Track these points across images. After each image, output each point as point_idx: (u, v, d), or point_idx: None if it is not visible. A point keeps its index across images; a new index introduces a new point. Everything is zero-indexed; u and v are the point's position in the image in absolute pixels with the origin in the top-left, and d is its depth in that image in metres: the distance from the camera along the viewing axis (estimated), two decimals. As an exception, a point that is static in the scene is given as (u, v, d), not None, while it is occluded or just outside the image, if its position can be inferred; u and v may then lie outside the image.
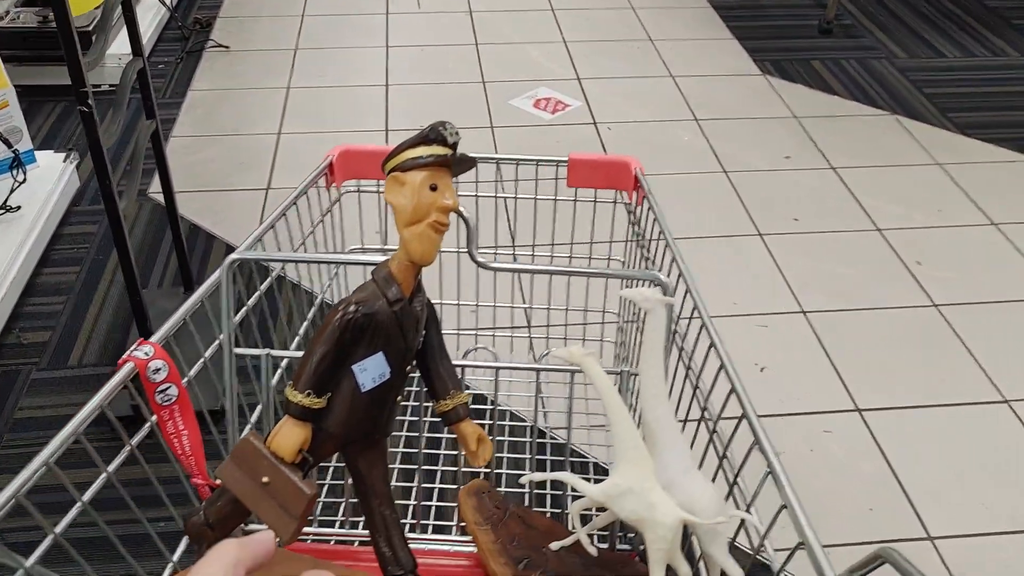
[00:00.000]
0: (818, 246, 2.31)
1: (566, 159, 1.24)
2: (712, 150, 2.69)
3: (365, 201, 1.34)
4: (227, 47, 3.21)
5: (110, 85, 2.95)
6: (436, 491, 1.27)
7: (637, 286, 0.91)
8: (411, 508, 1.10)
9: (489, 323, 1.57)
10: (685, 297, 0.98)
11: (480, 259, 0.96)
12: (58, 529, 0.73)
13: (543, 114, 2.83)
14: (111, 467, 0.80)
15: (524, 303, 1.76)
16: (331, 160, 1.21)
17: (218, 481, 0.77)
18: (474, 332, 1.56)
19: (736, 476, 0.86)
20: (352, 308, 0.76)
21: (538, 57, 3.21)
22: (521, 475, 0.94)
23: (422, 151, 0.78)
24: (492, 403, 1.03)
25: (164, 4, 3.26)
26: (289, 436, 0.76)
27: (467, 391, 0.89)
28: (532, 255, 1.49)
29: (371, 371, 0.78)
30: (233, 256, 0.94)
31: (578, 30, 3.39)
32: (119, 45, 2.96)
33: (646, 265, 1.18)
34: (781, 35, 3.41)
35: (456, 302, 1.48)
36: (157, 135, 1.83)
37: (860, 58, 3.25)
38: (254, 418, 1.05)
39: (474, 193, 1.32)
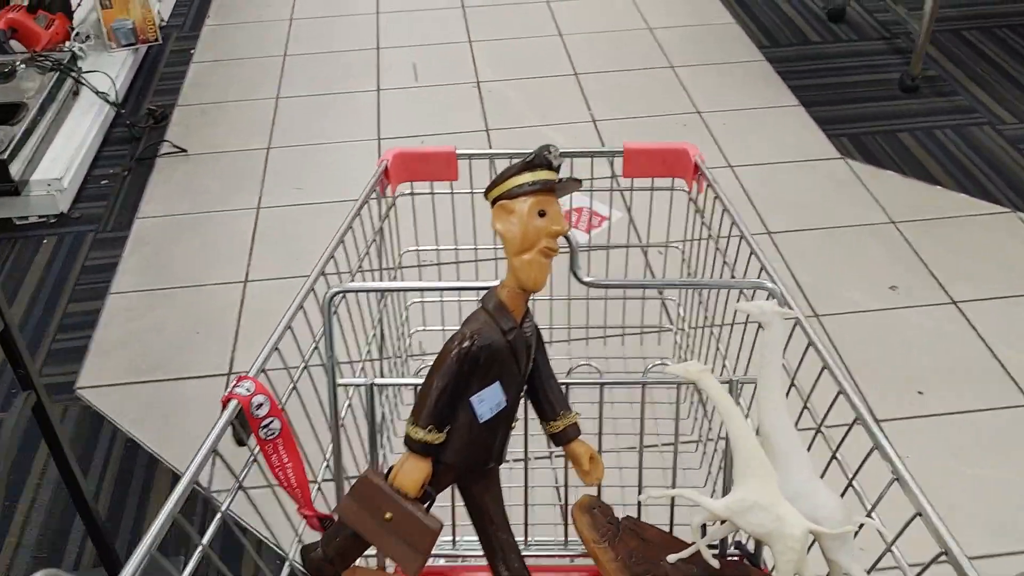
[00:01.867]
0: (954, 434, 1.74)
1: (621, 149, 1.19)
2: (795, 280, 2.11)
3: (419, 203, 1.29)
4: (185, 150, 2.64)
5: (38, 216, 2.40)
6: (545, 508, 1.21)
7: (746, 296, 0.94)
8: (523, 528, 1.07)
9: (582, 336, 1.47)
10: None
11: (584, 278, 0.94)
12: (185, 573, 0.71)
13: (577, 233, 2.25)
14: (224, 507, 0.77)
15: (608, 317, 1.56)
16: (386, 164, 1.19)
17: (329, 513, 0.84)
18: (566, 346, 1.44)
19: (852, 479, 0.84)
20: (468, 340, 0.76)
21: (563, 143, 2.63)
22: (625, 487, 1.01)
23: (528, 177, 0.78)
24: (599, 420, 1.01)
25: (108, 101, 2.70)
26: (413, 472, 0.77)
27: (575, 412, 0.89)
28: (588, 251, 1.40)
29: (488, 401, 0.79)
30: (335, 290, 0.92)
31: (605, 100, 2.81)
32: (49, 167, 2.42)
33: (719, 259, 1.15)
34: (856, 96, 2.81)
35: (554, 324, 1.40)
36: (41, 409, 1.26)
37: (957, 125, 2.65)
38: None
39: None
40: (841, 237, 2.24)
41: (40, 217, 2.39)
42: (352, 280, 1.10)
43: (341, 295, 0.92)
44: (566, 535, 1.04)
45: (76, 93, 2.67)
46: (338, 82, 2.96)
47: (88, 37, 2.93)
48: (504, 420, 0.81)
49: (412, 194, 1.28)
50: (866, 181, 2.43)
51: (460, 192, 1.25)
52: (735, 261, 1.09)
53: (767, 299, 0.90)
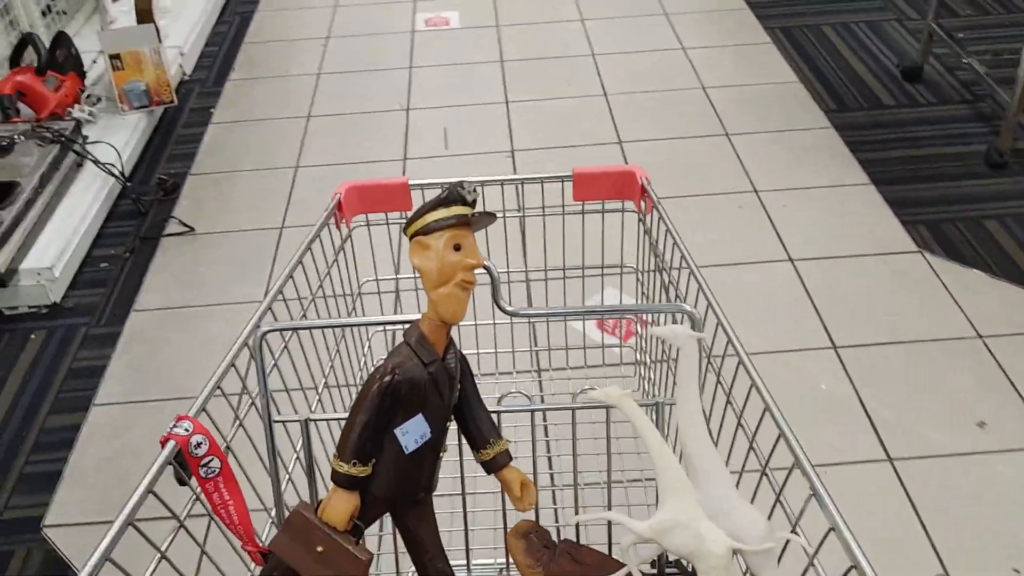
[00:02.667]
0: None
1: (570, 174, 1.23)
2: (868, 416, 1.82)
3: (376, 234, 1.31)
4: (192, 229, 2.44)
5: (29, 307, 2.22)
6: (485, 532, 1.21)
7: (666, 319, 1.07)
8: (464, 552, 1.04)
9: (509, 366, 1.50)
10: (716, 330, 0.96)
11: (507, 307, 0.95)
12: None
13: (609, 338, 1.99)
14: (163, 547, 0.78)
15: (542, 342, 1.65)
16: (339, 198, 1.19)
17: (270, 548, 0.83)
18: (492, 375, 1.47)
19: (779, 496, 0.85)
20: (389, 375, 0.78)
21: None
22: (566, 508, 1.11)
23: (442, 213, 0.80)
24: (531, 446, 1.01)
25: (113, 174, 2.51)
26: (340, 506, 0.80)
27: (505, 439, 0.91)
28: (545, 272, 1.43)
29: (412, 433, 0.81)
30: (264, 329, 0.92)
31: (652, 173, 2.54)
32: (41, 254, 2.24)
33: (665, 282, 1.17)
34: (934, 173, 2.50)
35: (478, 350, 1.41)
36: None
37: (1054, 211, 2.33)
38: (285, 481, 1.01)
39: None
40: (918, 355, 1.94)
41: (31, 307, 2.21)
42: (304, 315, 1.13)
43: (267, 334, 0.94)
44: (507, 559, 1.02)
45: (80, 164, 2.49)
46: (362, 148, 2.73)
47: (99, 99, 2.75)
48: (431, 450, 0.83)
49: (368, 225, 1.29)
50: (948, 282, 2.12)
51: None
52: (678, 277, 1.13)
53: (681, 321, 0.95)
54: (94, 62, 2.88)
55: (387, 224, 1.30)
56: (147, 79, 2.73)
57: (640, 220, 1.24)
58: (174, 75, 3.04)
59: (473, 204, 0.81)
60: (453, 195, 0.80)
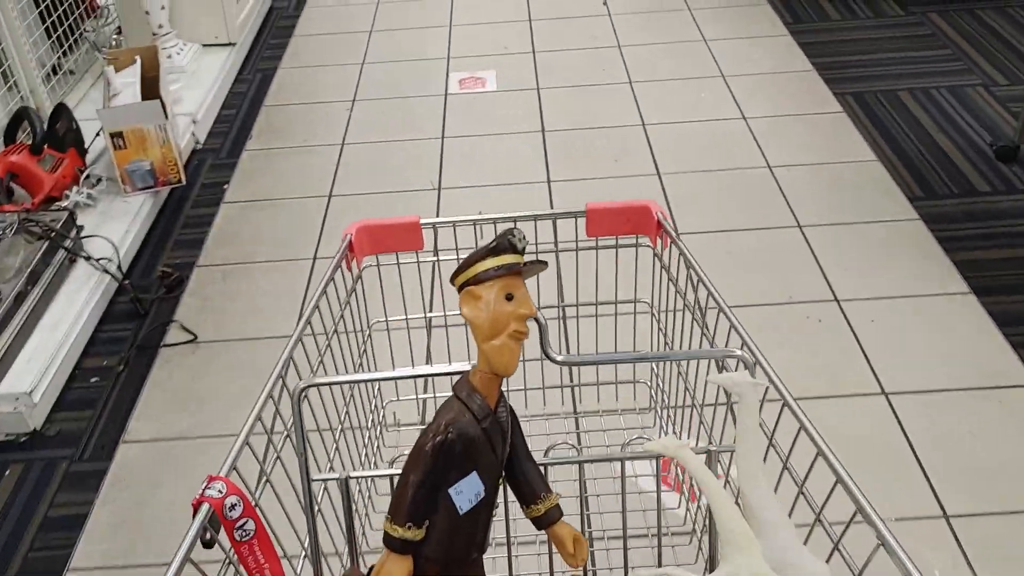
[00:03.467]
0: None
1: (583, 210, 1.20)
2: (987, 610, 1.50)
3: (386, 275, 1.28)
4: (194, 337, 2.17)
5: (6, 435, 1.95)
6: None
7: (709, 365, 0.98)
8: None
9: (548, 406, 1.42)
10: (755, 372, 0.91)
11: (556, 356, 0.92)
12: None
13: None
14: None
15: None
16: (350, 238, 1.17)
17: None
18: (528, 417, 1.39)
19: (838, 543, 0.82)
20: (443, 433, 0.76)
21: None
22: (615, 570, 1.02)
23: (493, 262, 0.78)
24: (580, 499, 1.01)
25: (109, 272, 2.25)
26: (395, 571, 0.78)
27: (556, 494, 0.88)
28: (576, 310, 1.38)
29: (467, 492, 0.78)
30: (302, 384, 0.91)
31: (712, 270, 2.22)
32: (19, 376, 1.97)
33: (696, 321, 1.15)
34: (1045, 281, 2.17)
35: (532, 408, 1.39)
36: None
37: None
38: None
39: None
40: (1050, 531, 1.61)
41: (7, 435, 1.94)
42: (320, 363, 1.10)
43: (308, 389, 0.91)
44: None
45: (73, 260, 2.23)
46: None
47: (100, 180, 2.50)
48: (485, 508, 0.81)
49: (378, 265, 1.26)
50: (1076, 430, 1.79)
51: (425, 260, 1.24)
52: (715, 325, 1.07)
53: (736, 367, 0.92)
54: (97, 135, 2.63)
55: (398, 264, 1.26)
56: (152, 158, 2.47)
57: (656, 256, 1.21)
58: (186, 145, 2.79)
59: (523, 252, 0.80)
60: (503, 244, 0.79)
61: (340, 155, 2.85)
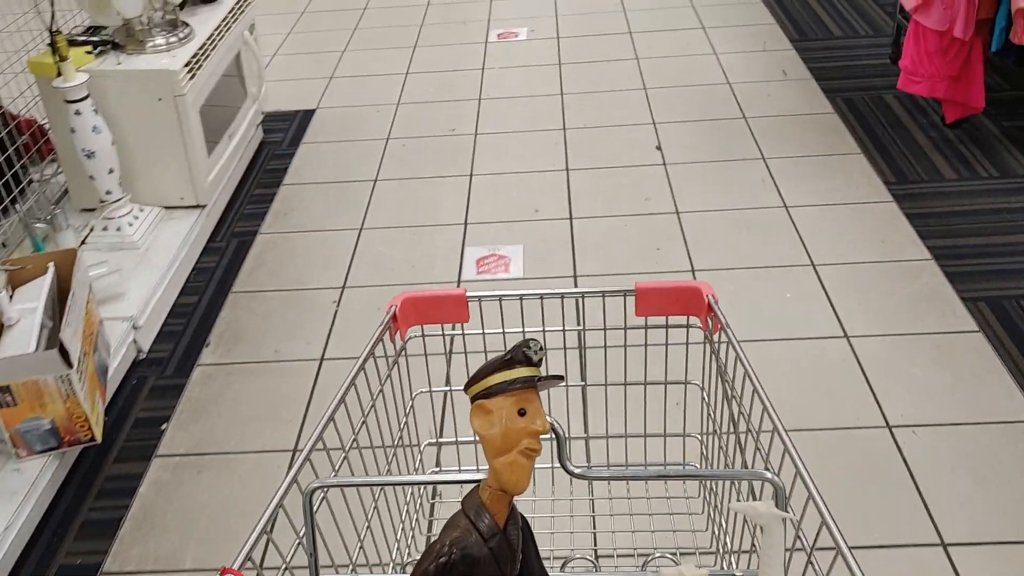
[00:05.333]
0: None
1: (633, 289, 1.19)
2: None
3: (430, 344, 1.24)
4: None
5: None
6: None
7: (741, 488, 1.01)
8: None
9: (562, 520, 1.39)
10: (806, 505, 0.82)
11: (574, 470, 0.89)
12: None
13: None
14: None
15: (599, 491, 1.50)
16: (395, 310, 1.17)
17: None
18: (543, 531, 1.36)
19: None
20: (446, 555, 0.75)
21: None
22: None
23: (506, 375, 0.77)
24: None
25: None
26: None
27: None
28: (605, 388, 1.28)
29: None
30: (314, 485, 0.88)
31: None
32: None
33: (738, 439, 1.11)
34: None
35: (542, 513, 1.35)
36: None
37: None
38: None
39: (542, 328, 1.21)
40: None
41: None
42: (356, 440, 1.07)
43: (323, 491, 0.90)
44: None
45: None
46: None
47: (-16, 440, 1.87)
48: None
49: (423, 336, 1.23)
50: None
51: (472, 332, 1.23)
52: (751, 406, 1.02)
53: (762, 490, 0.91)
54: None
55: (443, 335, 1.24)
56: (53, 415, 1.84)
57: (707, 339, 1.17)
58: (121, 361, 2.17)
59: (539, 364, 0.79)
60: (517, 356, 0.78)
61: (316, 377, 2.20)
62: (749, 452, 1.06)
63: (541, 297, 1.17)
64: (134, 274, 2.43)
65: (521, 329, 1.07)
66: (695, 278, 2.41)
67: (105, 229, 2.52)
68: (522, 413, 0.76)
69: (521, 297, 1.16)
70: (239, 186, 2.99)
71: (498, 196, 2.86)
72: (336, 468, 1.00)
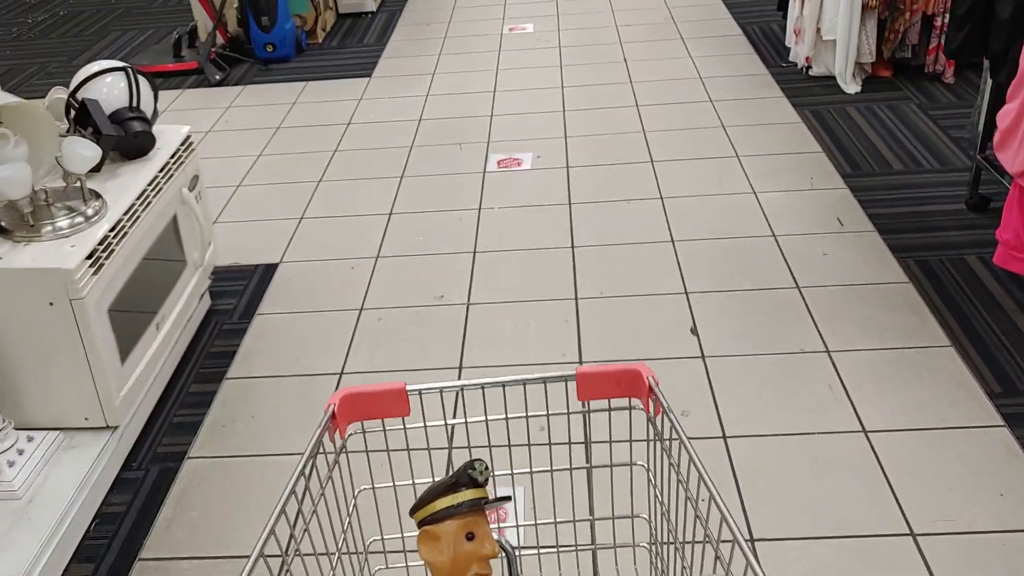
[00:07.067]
0: None
1: (573, 374, 1.19)
2: None
3: (371, 440, 1.30)
4: None
5: None
6: None
7: None
8: None
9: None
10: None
11: None
12: None
13: None
14: None
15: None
16: (333, 409, 1.15)
17: None
18: None
19: None
20: None
21: None
22: None
23: (453, 499, 0.77)
24: None
25: None
26: None
27: None
28: (551, 474, 1.28)
29: None
30: None
31: None
32: None
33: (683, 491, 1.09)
34: None
35: None
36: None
37: None
38: None
39: (483, 418, 1.22)
40: None
41: None
42: (299, 550, 1.04)
43: None
44: None
45: None
46: None
47: None
48: None
49: (364, 432, 1.22)
50: None
51: (413, 427, 1.24)
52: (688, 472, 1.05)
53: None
54: None
55: (384, 430, 1.21)
56: None
57: (649, 421, 1.16)
58: None
59: (485, 484, 0.77)
60: (463, 478, 0.77)
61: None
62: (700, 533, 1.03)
63: (482, 387, 1.14)
64: (5, 541, 1.83)
65: (464, 420, 1.15)
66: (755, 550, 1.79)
67: (-26, 474, 1.93)
68: (470, 537, 0.76)
69: (461, 388, 1.13)
70: (169, 384, 2.40)
71: (494, 400, 2.26)
72: None
